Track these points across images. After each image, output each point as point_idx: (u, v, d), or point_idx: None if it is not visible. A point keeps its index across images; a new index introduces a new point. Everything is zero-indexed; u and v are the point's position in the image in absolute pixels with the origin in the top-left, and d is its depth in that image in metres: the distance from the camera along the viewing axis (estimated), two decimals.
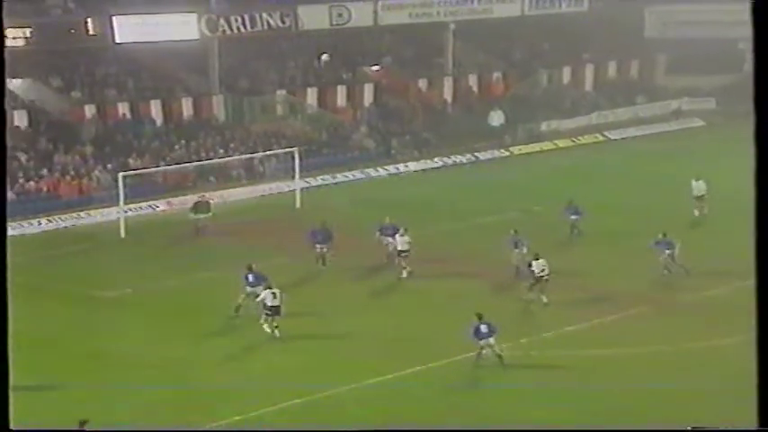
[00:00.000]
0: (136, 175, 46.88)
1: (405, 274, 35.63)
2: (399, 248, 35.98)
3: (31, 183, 47.80)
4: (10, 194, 46.29)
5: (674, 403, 25.37)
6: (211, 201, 43.83)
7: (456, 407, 25.82)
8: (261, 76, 60.59)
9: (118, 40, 52.64)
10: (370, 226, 38.65)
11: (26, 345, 28.43)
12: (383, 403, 26.02)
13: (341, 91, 62.37)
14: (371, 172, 54.70)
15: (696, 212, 42.15)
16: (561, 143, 61.71)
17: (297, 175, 47.56)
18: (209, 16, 55.42)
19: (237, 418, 25.06)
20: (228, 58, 58.33)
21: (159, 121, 56.08)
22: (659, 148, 58.65)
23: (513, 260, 35.28)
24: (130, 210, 44.75)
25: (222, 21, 55.81)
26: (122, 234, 42.22)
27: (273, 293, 29.72)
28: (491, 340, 27.78)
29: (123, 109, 55.43)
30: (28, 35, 50.03)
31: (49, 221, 44.97)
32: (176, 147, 53.15)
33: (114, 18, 52.17)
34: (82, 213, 45.96)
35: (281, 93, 60.24)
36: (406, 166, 55.97)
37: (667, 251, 35.25)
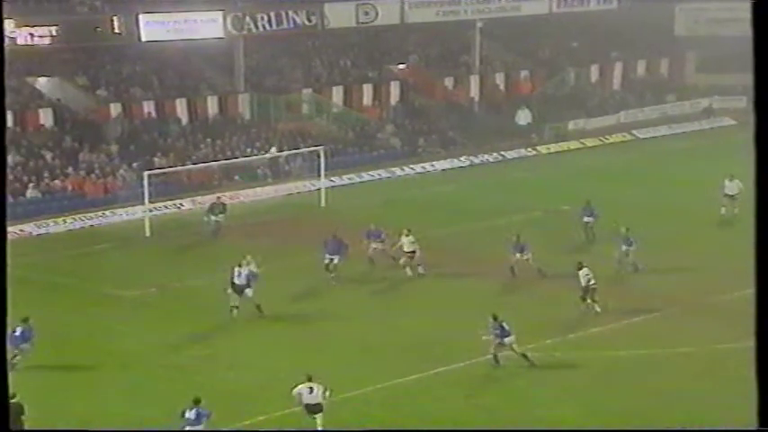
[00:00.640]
0: (161, 173, 47.01)
1: (410, 272, 35.58)
2: (406, 249, 35.87)
3: (57, 181, 47.96)
4: (36, 192, 46.55)
5: (700, 405, 25.21)
6: (226, 203, 43.43)
7: (480, 408, 25.71)
8: (286, 74, 60.61)
9: (144, 39, 52.77)
10: (396, 225, 38.53)
11: (50, 342, 28.68)
12: (407, 404, 25.95)
13: (367, 89, 62.34)
14: (397, 171, 54.61)
15: (723, 210, 41.90)
16: (589, 142, 61.44)
17: (322, 174, 47.53)
18: (235, 14, 55.48)
19: (261, 417, 25.05)
20: (254, 57, 58.41)
21: (185, 120, 56.19)
22: (689, 147, 58.30)
23: (511, 261, 35.28)
24: (155, 208, 44.79)
25: (248, 19, 55.84)
26: (147, 233, 42.28)
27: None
28: (512, 338, 27.82)
29: (149, 107, 55.57)
30: (54, 33, 50.20)
31: (75, 220, 45.04)
32: (201, 145, 53.23)
33: (140, 16, 52.28)
34: (107, 212, 46.04)
35: (307, 91, 60.26)
36: (433, 165, 55.85)
37: (624, 247, 35.73)
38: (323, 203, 46.66)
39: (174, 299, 33.45)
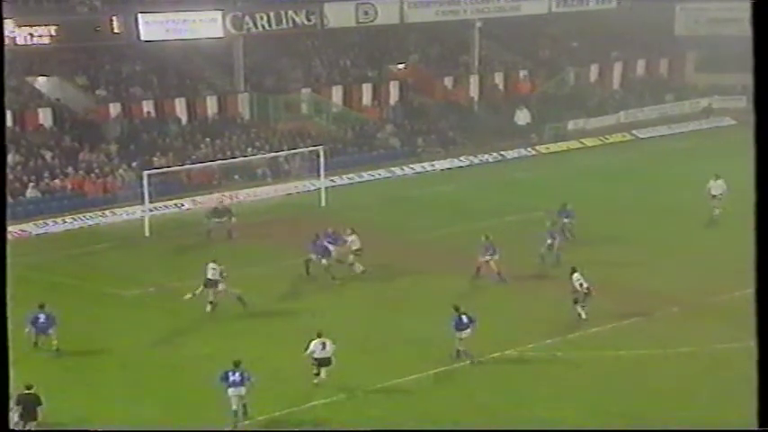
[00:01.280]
0: (160, 173, 47.00)
1: (359, 269, 35.81)
2: (354, 248, 36.03)
3: (56, 181, 48.00)
4: (35, 192, 46.57)
5: (700, 405, 25.24)
6: (230, 207, 43.25)
7: (479, 408, 25.73)
8: (286, 74, 60.63)
9: (143, 38, 52.79)
10: (396, 225, 38.60)
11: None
12: (407, 404, 25.97)
13: (366, 89, 62.38)
14: (397, 171, 54.64)
15: (717, 212, 41.93)
16: (589, 142, 61.45)
17: (322, 174, 47.54)
18: (235, 14, 55.51)
19: (261, 418, 25.06)
20: (254, 57, 58.41)
21: (184, 120, 56.23)
22: (689, 146, 58.32)
23: (478, 262, 35.10)
24: (155, 208, 44.79)
25: (247, 18, 55.88)
26: (147, 233, 42.30)
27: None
28: (469, 331, 27.92)
29: (148, 107, 55.61)
30: (53, 33, 50.23)
31: (74, 220, 45.09)
32: (201, 145, 53.26)
33: (140, 16, 52.33)
34: (106, 212, 46.09)
35: (307, 91, 60.29)
36: (432, 165, 55.88)
37: (549, 241, 36.36)
38: (323, 203, 46.68)
39: (173, 298, 33.43)
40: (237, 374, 24.64)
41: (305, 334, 27.34)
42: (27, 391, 23.54)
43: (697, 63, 72.08)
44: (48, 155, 49.58)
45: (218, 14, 54.89)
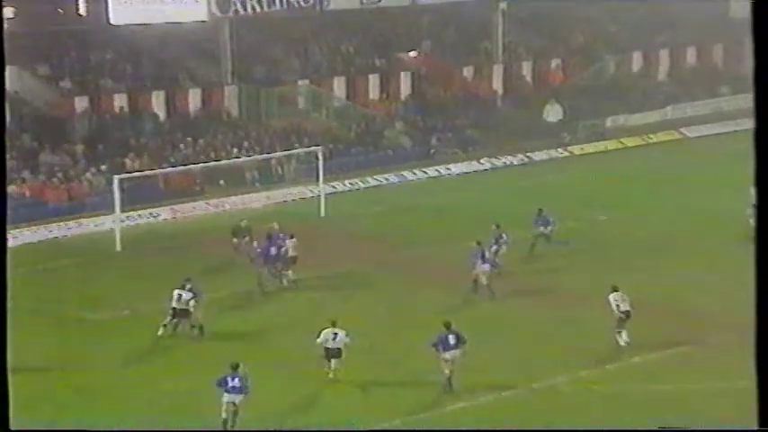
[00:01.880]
0: (134, 178, 47.07)
1: (285, 283, 36.88)
2: (291, 255, 37.01)
3: (12, 187, 48.03)
4: None
5: None
6: (250, 227, 42.91)
7: None
8: (280, 63, 60.75)
9: (113, 22, 52.88)
10: (406, 238, 38.54)
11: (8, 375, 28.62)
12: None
13: (373, 80, 62.52)
14: (408, 175, 54.73)
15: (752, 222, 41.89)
16: (630, 142, 61.46)
17: (321, 179, 47.59)
18: None
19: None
20: (242, 43, 58.51)
21: (162, 116, 56.40)
22: (746, 148, 58.19)
23: (474, 273, 35.76)
24: (128, 218, 44.96)
25: None
26: (118, 247, 42.36)
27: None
28: (457, 353, 27.92)
29: (120, 101, 55.79)
30: (11, 15, 50.34)
31: (33, 232, 45.15)
32: (181, 145, 53.37)
33: None
34: (71, 222, 46.26)
35: (304, 83, 60.40)
36: (448, 169, 55.93)
37: (494, 247, 37.51)
38: (322, 213, 46.68)
39: (148, 323, 33.40)
40: (237, 379, 25.42)
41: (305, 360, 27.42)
42: None
43: None
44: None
45: None
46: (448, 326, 28.60)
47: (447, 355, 28.21)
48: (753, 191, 46.09)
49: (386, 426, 26.48)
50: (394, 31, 65.91)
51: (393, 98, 62.51)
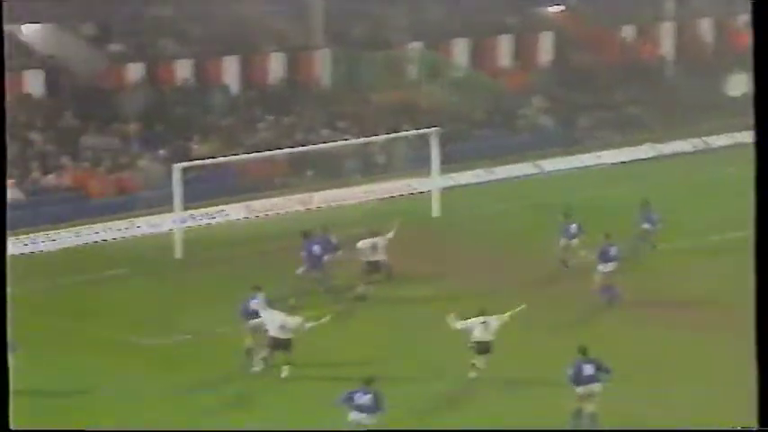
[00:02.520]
0: (200, 166, 47.56)
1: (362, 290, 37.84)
2: (378, 259, 38.18)
3: (49, 176, 48.65)
4: (18, 193, 47.45)
5: None
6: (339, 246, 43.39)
7: None
8: (385, 22, 60.93)
9: None
10: (542, 244, 38.60)
11: (29, 408, 29.25)
12: None
13: (504, 44, 62.49)
14: (546, 165, 54.71)
15: None
16: None
17: (436, 169, 47.71)
18: None
19: None
20: None
21: (235, 88, 56.83)
22: None
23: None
24: (191, 217, 45.43)
25: None
26: (178, 254, 42.90)
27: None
28: (595, 387, 27.92)
29: (183, 69, 56.32)
30: None
31: (74, 234, 45.78)
32: (259, 125, 53.78)
33: None
34: (120, 222, 46.82)
35: (416, 46, 60.53)
36: (600, 157, 55.73)
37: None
38: (435, 212, 46.81)
39: (216, 350, 33.76)
40: (368, 396, 26.09)
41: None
42: None
43: None
44: (37, 138, 50.37)
45: None
46: (583, 351, 28.65)
47: (580, 390, 28.24)
48: None
49: None
50: None
51: (530, 66, 62.43)
